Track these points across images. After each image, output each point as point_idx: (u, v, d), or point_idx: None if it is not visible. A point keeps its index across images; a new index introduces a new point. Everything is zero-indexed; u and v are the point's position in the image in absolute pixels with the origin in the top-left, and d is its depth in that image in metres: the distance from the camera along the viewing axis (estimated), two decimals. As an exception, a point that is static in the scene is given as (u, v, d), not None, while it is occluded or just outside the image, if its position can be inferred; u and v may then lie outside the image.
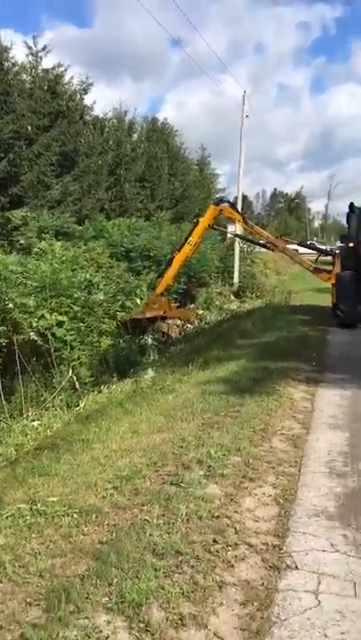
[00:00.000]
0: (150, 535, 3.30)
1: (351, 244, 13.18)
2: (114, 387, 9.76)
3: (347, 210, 14.15)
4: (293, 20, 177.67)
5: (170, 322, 15.76)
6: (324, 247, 26.57)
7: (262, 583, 2.88)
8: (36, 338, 9.52)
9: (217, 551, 3.17)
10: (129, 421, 5.99)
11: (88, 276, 12.83)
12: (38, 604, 2.71)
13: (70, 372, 9.91)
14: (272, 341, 10.53)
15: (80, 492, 4.05)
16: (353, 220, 13.92)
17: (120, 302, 13.70)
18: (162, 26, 41.01)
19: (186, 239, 14.44)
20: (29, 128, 20.53)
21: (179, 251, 14.46)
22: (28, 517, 3.67)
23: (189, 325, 19.77)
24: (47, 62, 24.02)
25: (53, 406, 9.06)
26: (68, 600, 2.68)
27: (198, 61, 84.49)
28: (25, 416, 8.46)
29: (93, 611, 2.62)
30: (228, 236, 23.72)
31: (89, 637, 2.43)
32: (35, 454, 5.17)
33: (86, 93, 26.90)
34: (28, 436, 6.24)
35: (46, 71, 24.04)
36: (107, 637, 2.44)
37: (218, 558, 3.10)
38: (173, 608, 2.64)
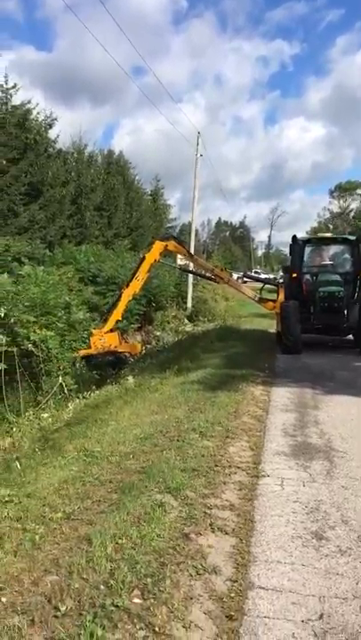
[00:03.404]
0: (174, 462, 5.12)
1: (294, 275, 14.33)
2: (97, 392, 11.45)
3: (288, 241, 15.25)
4: (254, 54, 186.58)
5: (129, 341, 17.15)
6: (265, 276, 28.70)
7: (249, 482, 4.76)
8: (33, 349, 11.11)
9: (218, 470, 5.02)
10: (130, 409, 7.78)
11: (67, 299, 14.49)
12: (116, 492, 4.48)
13: (60, 379, 11.54)
14: (230, 355, 12.49)
15: (114, 446, 5.82)
16: (295, 252, 14.67)
17: (96, 321, 15.39)
18: (115, 60, 43.94)
19: (133, 274, 14.75)
20: (4, 162, 22.14)
21: (127, 286, 14.68)
22: (85, 458, 5.43)
23: (148, 345, 21.62)
24: (16, 97, 25.91)
25: (48, 407, 10.68)
26: (135, 489, 4.46)
27: (156, 91, 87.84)
28: (27, 413, 10.06)
29: (151, 493, 4.40)
30: (180, 264, 25.31)
31: (154, 502, 4.21)
32: (66, 428, 6.88)
33: (51, 127, 28.86)
34: (49, 420, 7.91)
35: (15, 107, 25.82)
36: (164, 502, 4.23)
37: (219, 473, 4.95)
38: (199, 491, 4.47)
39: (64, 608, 2.85)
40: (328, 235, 18.72)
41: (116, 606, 2.86)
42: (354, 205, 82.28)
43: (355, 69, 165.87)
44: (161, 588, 3.04)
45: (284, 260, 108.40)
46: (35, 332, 11.77)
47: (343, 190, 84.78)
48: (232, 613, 2.87)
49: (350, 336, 14.00)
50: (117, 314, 14.67)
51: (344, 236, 15.69)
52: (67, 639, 2.59)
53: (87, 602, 2.91)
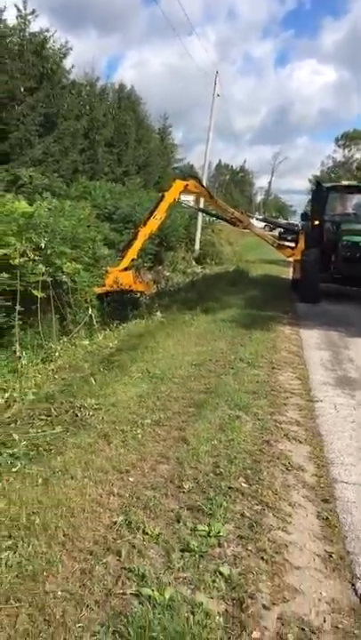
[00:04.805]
0: (233, 385, 5.69)
1: (316, 222, 14.18)
2: (125, 325, 11.96)
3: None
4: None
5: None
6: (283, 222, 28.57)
7: (306, 405, 5.34)
8: (66, 280, 11.53)
9: (275, 394, 5.60)
10: (172, 340, 8.30)
11: (92, 233, 14.78)
12: (191, 407, 5.05)
13: (90, 310, 12.01)
14: (251, 298, 12.97)
15: (172, 370, 6.36)
16: (318, 199, 14.52)
17: (117, 258, 15.73)
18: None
19: (151, 213, 14.43)
20: (22, 89, 21.83)
21: (144, 225, 14.38)
22: (150, 379, 5.97)
23: (158, 285, 22.04)
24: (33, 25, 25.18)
25: (79, 336, 11.20)
26: (208, 404, 5.03)
27: (164, 23, 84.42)
28: (60, 340, 10.58)
29: (224, 409, 4.97)
30: (191, 205, 25.47)
31: (229, 415, 4.78)
32: (123, 352, 7.40)
33: (65, 57, 28.14)
34: (93, 347, 8.46)
35: (34, 35, 25.13)
36: (238, 417, 4.80)
37: (277, 396, 5.53)
38: (265, 409, 5.05)
39: (187, 486, 3.44)
40: (353, 183, 18.50)
41: (230, 488, 3.46)
42: (358, 155, 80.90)
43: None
44: (261, 478, 3.64)
45: (282, 208, 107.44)
46: (67, 264, 12.15)
47: (350, 139, 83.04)
48: (326, 497, 3.47)
49: None
50: (133, 252, 14.52)
51: None
52: (201, 506, 3.19)
53: (204, 483, 3.50)
